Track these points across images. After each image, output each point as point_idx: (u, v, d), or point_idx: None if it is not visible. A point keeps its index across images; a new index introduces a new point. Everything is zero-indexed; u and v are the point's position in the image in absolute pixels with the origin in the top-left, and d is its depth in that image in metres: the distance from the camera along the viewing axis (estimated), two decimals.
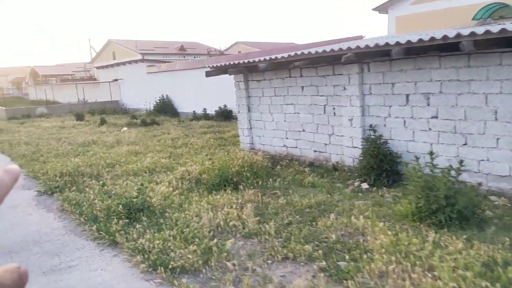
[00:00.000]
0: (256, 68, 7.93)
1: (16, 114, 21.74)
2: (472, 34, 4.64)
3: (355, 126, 6.80)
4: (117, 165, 7.67)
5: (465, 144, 5.53)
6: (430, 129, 5.88)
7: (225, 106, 16.75)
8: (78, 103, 26.59)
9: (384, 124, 6.48)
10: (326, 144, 7.54)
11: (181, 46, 38.99)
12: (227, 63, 8.47)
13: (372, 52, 5.83)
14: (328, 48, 6.43)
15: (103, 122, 16.80)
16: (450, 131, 5.66)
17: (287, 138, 8.38)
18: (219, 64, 8.66)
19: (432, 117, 5.83)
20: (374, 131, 6.50)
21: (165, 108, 20.32)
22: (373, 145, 6.34)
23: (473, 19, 14.61)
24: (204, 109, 17.53)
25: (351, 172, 6.84)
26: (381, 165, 6.09)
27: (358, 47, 5.82)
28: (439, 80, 5.65)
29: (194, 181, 6.33)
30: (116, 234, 4.13)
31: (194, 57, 35.69)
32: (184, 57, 36.75)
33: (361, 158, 6.68)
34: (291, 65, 6.79)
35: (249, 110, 9.13)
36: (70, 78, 44.59)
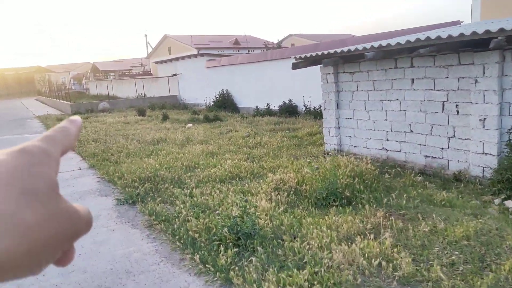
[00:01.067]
0: (353, 58, 6.77)
1: (80, 109, 22.06)
2: None
3: (489, 128, 5.45)
4: (197, 169, 6.87)
5: None
6: None
7: (290, 101, 15.72)
8: (137, 98, 26.71)
9: None
10: (442, 148, 6.24)
11: (235, 40, 38.37)
12: (320, 53, 7.37)
13: None
14: (458, 32, 5.12)
15: (165, 117, 16.35)
16: None
17: (387, 140, 7.15)
18: (308, 55, 7.58)
19: None
20: None
21: (225, 103, 19.63)
22: None
23: None
24: (268, 104, 16.59)
25: (482, 184, 5.53)
26: None
27: None
28: None
29: (292, 192, 5.34)
30: (229, 270, 3.22)
31: (249, 51, 34.90)
32: (238, 50, 36.05)
33: (497, 168, 5.36)
34: (415, 52, 5.55)
35: (338, 107, 7.99)
36: (127, 73, 45.61)
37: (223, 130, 12.12)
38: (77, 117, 0.42)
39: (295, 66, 7.87)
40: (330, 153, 8.02)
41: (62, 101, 26.46)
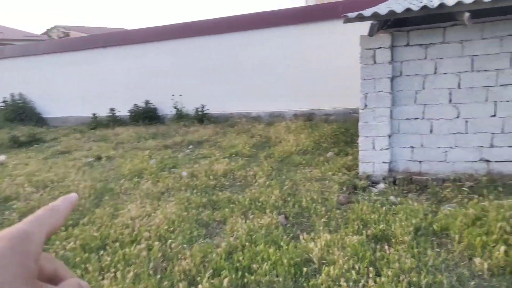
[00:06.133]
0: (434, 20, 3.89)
1: None
2: None
3: None
4: None
5: None
6: None
7: (147, 103, 11.26)
8: None
9: None
10: None
11: None
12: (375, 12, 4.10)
13: None
14: None
15: None
16: None
17: (493, 146, 4.70)
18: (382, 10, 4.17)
19: None
20: None
21: (21, 113, 12.80)
22: None
23: None
24: (112, 109, 11.42)
25: None
26: None
27: None
28: None
29: None
30: None
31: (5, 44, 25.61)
32: None
33: None
34: None
35: (393, 103, 4.96)
36: None
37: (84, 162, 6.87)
38: (73, 194, 0.41)
39: (347, 21, 4.31)
40: (373, 180, 4.94)
41: None
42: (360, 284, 2.84)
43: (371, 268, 2.95)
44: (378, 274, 2.93)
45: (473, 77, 4.59)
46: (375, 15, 4.21)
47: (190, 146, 7.82)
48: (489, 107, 4.62)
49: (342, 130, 7.16)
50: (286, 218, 4.24)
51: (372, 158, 5.14)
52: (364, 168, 5.22)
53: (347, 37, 8.39)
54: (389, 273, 2.87)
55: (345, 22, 4.42)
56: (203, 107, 10.16)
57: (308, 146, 6.64)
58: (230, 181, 5.55)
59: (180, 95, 10.58)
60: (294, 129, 7.76)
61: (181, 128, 9.43)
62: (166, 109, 10.91)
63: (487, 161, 4.78)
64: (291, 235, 3.78)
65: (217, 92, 10.19)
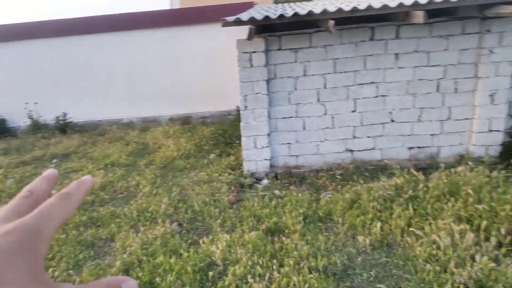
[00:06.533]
0: (301, 27, 4.42)
1: None
2: None
3: (498, 102, 5.07)
4: None
5: None
6: None
7: None
8: None
9: None
10: (433, 135, 5.34)
11: None
12: (248, 17, 4.35)
13: None
14: None
15: None
16: None
17: (355, 138, 5.41)
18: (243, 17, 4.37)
19: None
20: None
21: None
22: None
23: None
24: None
25: (487, 164, 5.13)
26: None
27: None
28: None
29: None
30: None
31: None
32: None
33: (507, 143, 5.13)
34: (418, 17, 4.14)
35: (270, 103, 5.28)
36: None
37: None
38: (88, 178, 0.39)
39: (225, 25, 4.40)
40: (257, 177, 5.26)
41: None
42: (266, 278, 2.94)
43: (274, 261, 3.09)
44: (281, 265, 3.09)
45: (336, 78, 5.19)
46: (252, 20, 4.40)
47: (55, 160, 6.97)
48: (350, 104, 5.29)
49: (221, 132, 7.29)
50: (180, 225, 4.13)
51: (255, 156, 5.37)
52: (248, 166, 5.42)
53: (217, 41, 8.59)
54: (291, 262, 3.05)
55: (223, 26, 4.51)
56: (65, 115, 9.13)
57: (190, 150, 6.57)
58: (111, 194, 5.14)
59: (36, 103, 9.31)
60: (172, 133, 7.59)
61: (39, 141, 8.31)
62: (18, 120, 9.47)
63: (351, 151, 5.46)
64: (189, 241, 3.70)
65: (81, 99, 9.28)
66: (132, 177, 5.65)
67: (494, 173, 3.85)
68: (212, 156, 6.36)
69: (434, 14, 4.56)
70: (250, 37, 4.57)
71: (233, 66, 7.10)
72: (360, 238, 3.36)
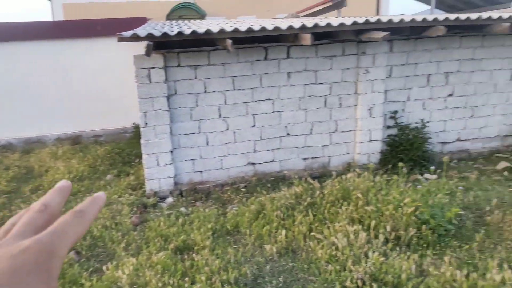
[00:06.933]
0: (200, 44, 4.61)
1: None
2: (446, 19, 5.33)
3: (376, 115, 5.81)
4: None
5: (472, 115, 6.34)
6: (446, 107, 6.19)
7: None
8: None
9: (403, 108, 6.03)
10: (324, 146, 5.87)
11: None
12: (149, 33, 4.31)
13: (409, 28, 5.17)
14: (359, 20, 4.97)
15: None
16: (462, 106, 6.25)
17: (255, 151, 5.65)
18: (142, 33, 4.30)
19: (449, 95, 6.15)
20: (396, 118, 5.94)
21: None
22: (405, 132, 5.81)
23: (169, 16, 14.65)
24: None
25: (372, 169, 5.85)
26: (415, 152, 5.61)
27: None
28: (458, 59, 6.04)
29: None
30: None
31: None
32: None
33: (384, 151, 5.91)
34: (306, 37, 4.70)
35: (172, 120, 5.23)
36: None
37: None
38: (101, 194, 0.39)
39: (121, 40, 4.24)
40: (161, 196, 5.19)
41: None
42: None
43: (186, 279, 3.05)
44: (193, 282, 3.06)
45: (235, 95, 5.38)
46: (149, 36, 4.34)
47: None
48: (249, 119, 5.51)
49: (117, 151, 6.93)
50: (78, 253, 3.81)
51: (158, 174, 5.24)
52: (150, 185, 5.25)
53: (109, 56, 8.20)
54: (202, 278, 3.05)
55: (119, 41, 4.36)
56: None
57: (83, 172, 6.11)
58: None
59: None
60: (62, 154, 6.96)
61: None
62: None
63: (253, 164, 5.68)
64: (91, 269, 3.44)
65: None
66: (16, 205, 5.02)
67: (377, 178, 4.38)
68: (109, 177, 6.00)
69: (319, 37, 5.06)
70: (148, 53, 4.50)
71: (128, 81, 6.89)
72: (267, 246, 3.51)
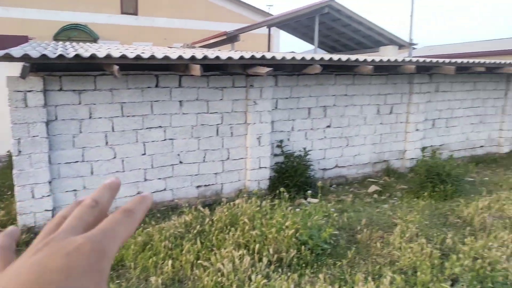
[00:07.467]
0: (83, 68, 4.55)
1: None
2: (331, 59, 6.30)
3: (264, 144, 6.16)
4: None
5: (347, 145, 7.12)
6: (325, 137, 6.85)
7: None
8: None
9: (288, 138, 6.50)
10: (217, 173, 6.00)
11: None
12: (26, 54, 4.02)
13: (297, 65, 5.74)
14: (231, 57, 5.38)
15: None
16: (338, 136, 6.98)
17: (146, 180, 5.51)
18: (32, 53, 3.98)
19: (327, 126, 6.84)
20: (282, 146, 6.38)
21: None
22: (290, 160, 6.28)
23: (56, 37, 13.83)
24: None
25: (258, 196, 6.17)
26: (299, 178, 6.10)
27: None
28: (334, 95, 6.78)
29: None
30: None
31: None
32: None
33: (272, 177, 6.29)
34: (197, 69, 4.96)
35: (50, 147, 4.84)
36: None
37: None
38: (148, 194, 0.39)
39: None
40: (36, 232, 4.78)
41: None
42: None
43: None
44: None
45: (124, 122, 5.23)
46: (25, 57, 4.03)
47: None
48: (139, 147, 5.38)
49: None
50: None
51: (33, 208, 4.76)
52: (24, 220, 4.73)
53: None
54: None
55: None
56: None
57: None
58: None
59: None
60: None
61: None
62: None
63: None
64: None
65: None
66: None
67: (264, 203, 4.60)
68: None
69: (209, 69, 5.26)
70: (24, 75, 4.16)
71: (2, 105, 6.20)
72: (153, 279, 3.41)
